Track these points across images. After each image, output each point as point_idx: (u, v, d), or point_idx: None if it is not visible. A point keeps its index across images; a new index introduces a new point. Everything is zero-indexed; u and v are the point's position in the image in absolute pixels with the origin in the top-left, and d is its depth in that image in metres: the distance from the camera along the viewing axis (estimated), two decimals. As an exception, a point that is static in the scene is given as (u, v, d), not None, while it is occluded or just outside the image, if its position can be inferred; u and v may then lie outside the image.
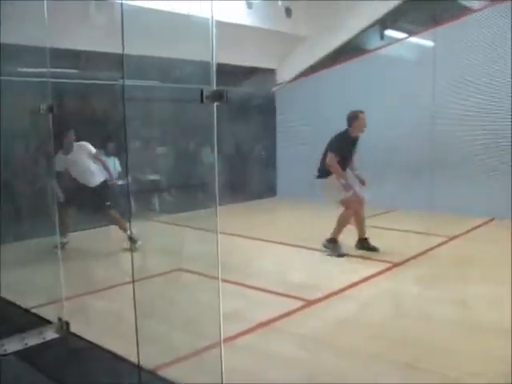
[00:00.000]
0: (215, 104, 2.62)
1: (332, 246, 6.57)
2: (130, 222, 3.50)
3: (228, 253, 6.12)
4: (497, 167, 8.18)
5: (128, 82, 7.63)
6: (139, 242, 6.48)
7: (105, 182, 6.80)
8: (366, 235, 6.72)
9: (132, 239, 6.33)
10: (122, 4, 2.69)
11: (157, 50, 7.35)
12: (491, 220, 8.15)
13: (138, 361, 2.97)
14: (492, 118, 8.18)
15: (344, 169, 6.58)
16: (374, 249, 6.60)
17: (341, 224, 6.58)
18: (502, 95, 8.04)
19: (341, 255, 6.46)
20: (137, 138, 8.90)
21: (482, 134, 8.29)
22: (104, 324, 4.30)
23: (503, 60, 7.95)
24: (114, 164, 8.43)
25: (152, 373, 3.27)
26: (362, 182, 6.73)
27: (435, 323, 4.27)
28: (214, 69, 2.64)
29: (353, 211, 6.57)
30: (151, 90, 8.82)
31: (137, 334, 2.91)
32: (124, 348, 3.41)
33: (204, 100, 2.61)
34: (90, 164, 6.77)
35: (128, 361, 3.27)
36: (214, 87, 2.64)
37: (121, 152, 8.32)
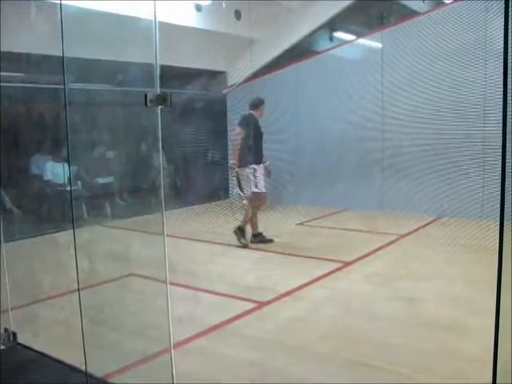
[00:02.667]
0: (159, 107, 2.61)
1: (239, 233, 7.13)
2: (73, 228, 3.41)
3: (181, 257, 6.14)
4: (443, 166, 8.36)
5: (75, 86, 7.55)
6: None
7: None
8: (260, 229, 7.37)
9: None
10: (60, 4, 2.63)
11: (103, 52, 7.23)
12: (439, 219, 8.33)
13: (86, 369, 2.92)
14: (437, 117, 8.37)
15: (259, 162, 7.16)
16: (269, 241, 7.25)
17: (246, 216, 7.24)
18: (447, 95, 8.23)
19: (241, 245, 7.09)
20: (86, 143, 8.75)
21: (429, 133, 8.48)
22: (52, 333, 4.21)
23: (447, 61, 8.14)
24: (64, 170, 8.29)
25: (101, 381, 3.22)
26: (268, 174, 7.39)
27: (385, 321, 4.34)
28: (158, 72, 2.63)
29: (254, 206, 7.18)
30: (99, 93, 8.71)
31: (83, 342, 2.86)
32: (73, 357, 3.34)
33: (148, 103, 2.60)
34: None
35: (77, 370, 3.22)
36: (158, 91, 2.62)
37: (71, 157, 8.18)
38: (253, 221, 7.24)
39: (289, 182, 9.86)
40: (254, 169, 6.99)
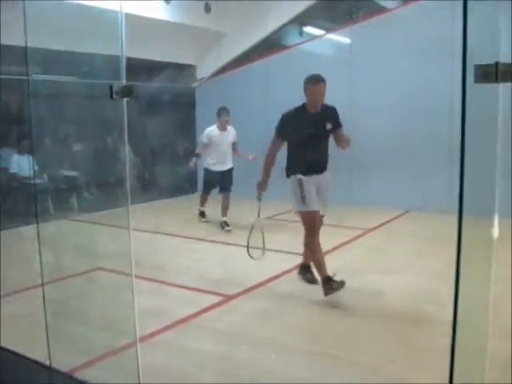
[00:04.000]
0: (125, 100, 2.59)
1: (303, 271, 5.37)
2: (37, 220, 3.37)
3: (148, 250, 6.11)
4: (411, 161, 8.46)
5: (39, 77, 7.44)
6: None
7: None
8: None
9: None
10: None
11: (68, 44, 7.11)
12: (406, 212, 8.44)
13: (50, 364, 2.89)
14: (405, 112, 8.46)
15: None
16: (339, 285, 4.56)
17: (305, 248, 5.37)
18: (415, 91, 8.33)
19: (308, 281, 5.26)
20: (52, 135, 8.63)
21: (397, 128, 8.56)
22: (16, 328, 4.15)
23: (415, 56, 8.22)
24: (29, 163, 8.15)
25: (65, 375, 3.20)
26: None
27: (349, 314, 4.40)
28: (124, 64, 2.61)
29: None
30: (65, 85, 8.59)
31: (47, 336, 2.83)
32: (39, 352, 3.31)
33: (114, 95, 2.57)
34: None
35: (41, 365, 3.18)
36: (124, 82, 2.60)
37: (36, 150, 8.05)
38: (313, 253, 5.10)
39: (257, 176, 9.84)
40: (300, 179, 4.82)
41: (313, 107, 4.87)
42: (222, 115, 7.87)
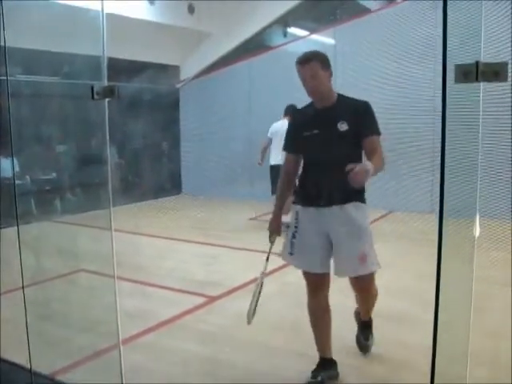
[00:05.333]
0: (106, 100, 2.57)
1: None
2: (17, 222, 3.34)
3: (132, 252, 6.08)
4: (394, 161, 8.50)
5: (19, 78, 7.37)
6: None
7: None
8: None
9: None
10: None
11: (48, 43, 7.03)
12: (389, 213, 8.48)
13: (30, 367, 2.87)
14: (388, 113, 8.49)
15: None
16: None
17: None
18: (398, 91, 8.37)
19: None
20: (34, 137, 8.54)
21: (381, 128, 8.57)
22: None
23: (399, 57, 8.27)
24: (12, 164, 8.06)
25: (48, 378, 3.17)
26: None
27: (333, 313, 4.39)
28: (105, 64, 2.59)
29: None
30: (47, 86, 8.51)
31: (28, 339, 2.80)
32: (19, 355, 3.27)
33: (95, 96, 2.55)
34: None
35: (23, 368, 3.15)
36: (106, 83, 2.58)
37: (18, 152, 7.98)
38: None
39: (241, 176, 9.86)
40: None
41: (314, 99, 3.23)
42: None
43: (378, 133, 3.18)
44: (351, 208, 3.09)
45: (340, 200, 3.08)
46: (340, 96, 3.26)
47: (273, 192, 7.39)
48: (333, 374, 3.26)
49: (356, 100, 3.30)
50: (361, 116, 3.17)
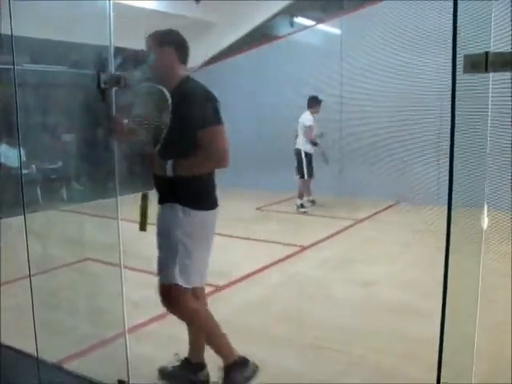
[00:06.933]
0: (113, 89, 2.57)
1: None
2: (24, 211, 3.34)
3: (138, 241, 6.07)
4: (400, 152, 8.47)
5: (27, 67, 7.36)
6: None
7: None
8: None
9: None
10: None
11: (55, 33, 7.01)
12: (396, 204, 8.46)
13: (37, 355, 2.88)
14: (395, 104, 8.46)
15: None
16: None
17: None
18: (404, 82, 8.32)
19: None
20: (40, 126, 8.55)
21: (387, 118, 8.55)
22: (3, 320, 4.12)
23: (405, 47, 8.21)
24: (18, 153, 8.08)
25: (54, 366, 3.18)
26: None
27: (339, 304, 4.41)
28: (112, 53, 2.59)
29: None
30: (53, 75, 8.50)
31: (35, 327, 2.81)
32: (26, 343, 3.29)
33: (102, 85, 2.55)
34: None
35: (30, 356, 3.17)
36: (113, 72, 2.58)
37: (25, 141, 7.99)
38: None
39: (247, 166, 9.84)
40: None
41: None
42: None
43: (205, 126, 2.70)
44: (166, 208, 2.80)
45: (160, 199, 2.85)
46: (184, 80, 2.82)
47: (310, 175, 8.43)
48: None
49: (191, 85, 2.84)
50: (184, 104, 2.65)
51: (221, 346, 2.99)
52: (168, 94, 2.56)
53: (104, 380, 2.98)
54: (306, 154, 8.33)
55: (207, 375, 3.13)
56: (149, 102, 2.67)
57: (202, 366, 3.15)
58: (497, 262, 2.68)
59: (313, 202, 8.56)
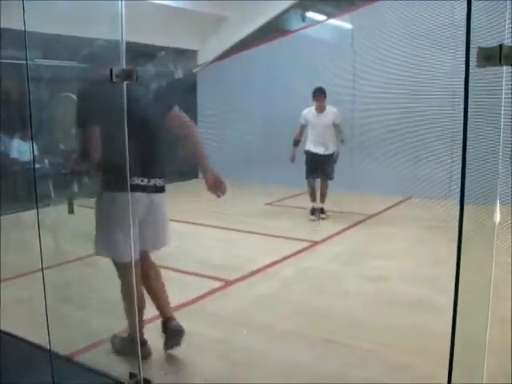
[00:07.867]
0: (125, 83, 2.58)
1: None
2: (37, 205, 3.37)
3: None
4: (412, 147, 8.43)
5: (39, 62, 7.38)
6: None
7: None
8: None
9: None
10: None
11: (67, 28, 7.01)
12: (408, 199, 8.42)
13: (50, 348, 2.90)
14: (407, 97, 8.41)
15: None
16: None
17: None
18: (417, 76, 8.27)
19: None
20: (52, 120, 8.58)
21: (400, 113, 8.50)
22: (16, 313, 4.16)
23: (417, 41, 8.16)
24: (31, 148, 8.13)
25: (65, 358, 3.21)
26: None
27: (352, 299, 4.41)
28: (124, 47, 2.59)
29: None
30: (65, 70, 8.52)
31: (47, 320, 2.84)
32: (39, 336, 3.32)
33: (114, 78, 2.56)
34: None
35: (41, 348, 3.19)
36: (124, 66, 2.59)
37: (38, 136, 8.02)
38: None
39: (258, 161, 9.83)
40: None
41: None
42: (316, 96, 7.62)
43: None
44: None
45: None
46: None
47: (307, 175, 7.69)
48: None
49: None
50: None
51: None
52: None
53: (116, 373, 3.00)
54: (305, 152, 7.74)
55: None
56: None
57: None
58: (509, 256, 2.66)
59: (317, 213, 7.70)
